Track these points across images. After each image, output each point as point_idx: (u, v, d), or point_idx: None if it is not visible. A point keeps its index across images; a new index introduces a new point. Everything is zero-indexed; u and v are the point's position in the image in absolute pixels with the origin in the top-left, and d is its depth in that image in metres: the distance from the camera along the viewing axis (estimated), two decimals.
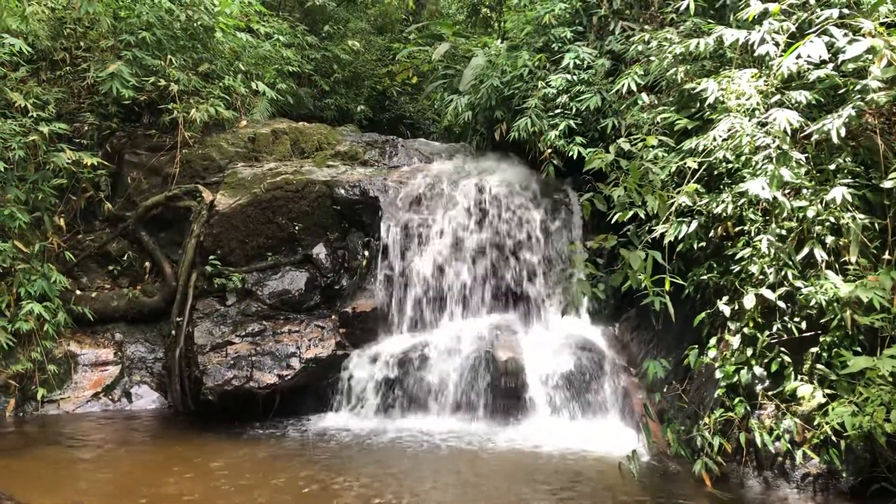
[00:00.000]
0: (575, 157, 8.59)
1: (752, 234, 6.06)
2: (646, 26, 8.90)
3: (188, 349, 8.18)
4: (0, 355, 7.90)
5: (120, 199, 9.69)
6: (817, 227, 5.74)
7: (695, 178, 6.28)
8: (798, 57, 5.92)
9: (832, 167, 5.96)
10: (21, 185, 8.57)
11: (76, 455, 6.74)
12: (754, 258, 5.94)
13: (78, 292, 8.96)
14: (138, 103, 9.98)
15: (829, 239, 5.70)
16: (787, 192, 5.94)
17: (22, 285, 8.14)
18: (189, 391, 8.07)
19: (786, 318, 5.85)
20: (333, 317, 8.62)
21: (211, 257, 8.77)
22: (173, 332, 8.51)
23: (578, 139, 8.73)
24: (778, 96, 6.16)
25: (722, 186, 6.45)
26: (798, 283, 5.73)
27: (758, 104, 6.15)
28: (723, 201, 6.20)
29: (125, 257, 9.43)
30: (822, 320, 5.64)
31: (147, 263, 9.39)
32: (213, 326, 8.34)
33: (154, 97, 9.93)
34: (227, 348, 8.02)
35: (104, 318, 8.95)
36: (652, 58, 7.89)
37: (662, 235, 6.23)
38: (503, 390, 7.81)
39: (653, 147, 6.97)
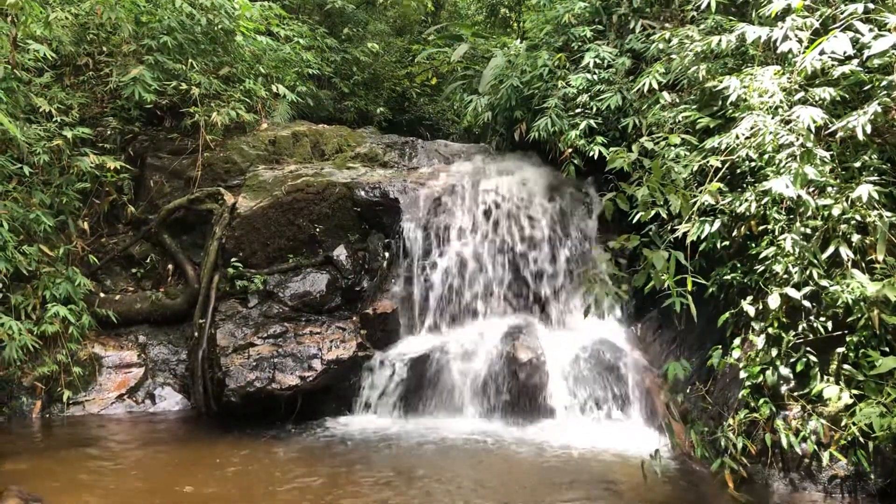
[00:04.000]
0: (595, 156, 8.55)
1: (777, 232, 5.99)
2: (666, 24, 8.84)
3: (211, 351, 8.24)
4: (26, 357, 7.99)
5: (142, 203, 9.79)
6: (843, 226, 5.66)
7: (717, 176, 6.22)
8: (822, 53, 5.85)
9: (857, 165, 5.89)
10: (46, 190, 8.68)
11: (102, 456, 6.82)
12: (779, 257, 5.88)
13: (102, 295, 9.06)
14: (160, 107, 10.09)
15: (856, 237, 5.62)
16: (811, 190, 5.87)
17: (47, 288, 8.25)
18: (212, 393, 8.13)
19: (811, 318, 5.78)
20: (354, 318, 8.65)
21: (233, 259, 8.83)
22: (196, 333, 8.58)
23: (599, 139, 8.69)
24: (801, 93, 6.09)
25: (745, 185, 6.40)
26: (824, 282, 5.66)
27: (781, 101, 6.08)
28: (746, 200, 6.14)
29: (148, 260, 9.54)
30: (848, 320, 5.57)
31: (170, 266, 9.48)
32: (236, 328, 8.39)
33: (175, 101, 10.03)
34: (249, 350, 8.07)
35: (128, 321, 9.04)
36: (673, 56, 7.83)
37: (685, 235, 6.17)
38: (524, 391, 7.80)
39: (675, 146, 6.91)
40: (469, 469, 6.50)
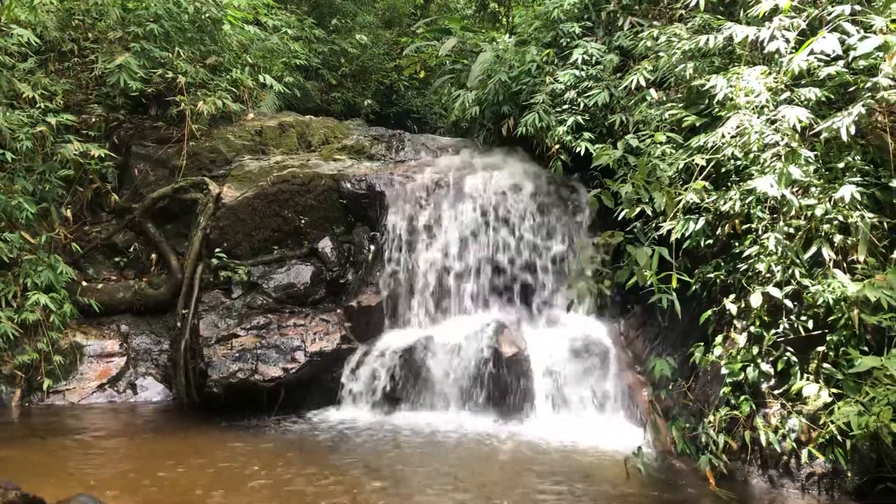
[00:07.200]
0: (582, 153, 8.55)
1: (760, 231, 6.03)
2: (655, 22, 8.85)
3: (193, 341, 8.20)
4: (6, 346, 7.92)
5: (127, 191, 9.71)
6: (825, 226, 5.71)
7: (703, 175, 6.25)
8: (810, 53, 5.89)
9: (841, 165, 5.93)
10: (28, 176, 8.57)
11: (82, 445, 6.76)
12: (761, 256, 5.92)
13: (84, 284, 8.97)
14: (146, 95, 9.99)
15: (838, 237, 5.67)
16: (795, 189, 5.91)
17: (28, 276, 8.16)
18: (194, 383, 8.09)
19: (792, 317, 5.81)
20: (339, 310, 8.63)
21: (217, 250, 8.78)
22: (179, 324, 8.53)
23: (586, 135, 8.69)
24: (787, 93, 6.13)
25: (730, 184, 6.42)
26: (805, 282, 5.70)
27: (767, 101, 6.12)
28: (730, 199, 6.17)
29: (131, 249, 9.46)
30: (829, 319, 5.61)
31: (153, 255, 9.40)
32: (219, 319, 8.35)
33: (161, 89, 9.94)
34: (232, 341, 8.03)
35: (110, 310, 8.96)
36: (661, 54, 7.85)
37: (669, 232, 6.21)
38: (507, 385, 7.81)
39: (661, 144, 6.94)
40: (448, 463, 6.49)
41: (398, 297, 8.76)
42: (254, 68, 11.21)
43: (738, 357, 5.99)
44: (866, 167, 5.90)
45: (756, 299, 5.81)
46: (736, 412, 5.92)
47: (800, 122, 5.71)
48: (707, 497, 5.64)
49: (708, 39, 6.93)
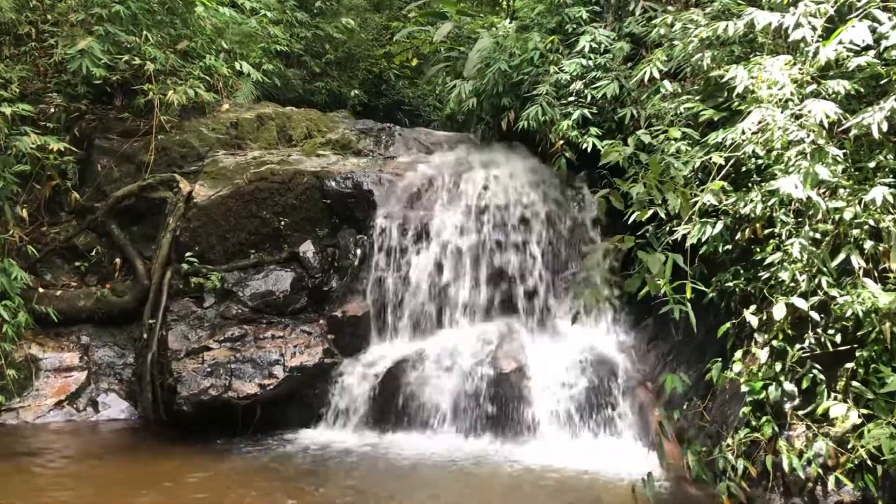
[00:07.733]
0: (589, 149, 8.55)
1: (784, 236, 6.01)
2: (669, 7, 8.87)
3: (161, 354, 8.17)
4: None
5: (89, 189, 9.67)
6: (855, 231, 5.70)
7: (721, 174, 6.24)
8: (840, 43, 5.88)
9: (872, 165, 5.92)
10: None
11: (38, 469, 6.73)
12: (785, 263, 5.90)
13: (41, 290, 8.92)
14: (110, 83, 9.95)
15: (868, 244, 5.65)
16: (822, 191, 5.89)
17: None
18: (161, 400, 8.07)
19: (819, 331, 5.80)
20: (321, 321, 8.61)
21: (188, 254, 8.75)
22: (145, 335, 8.50)
23: (593, 130, 8.68)
24: (814, 86, 6.12)
25: (750, 184, 6.42)
26: (833, 292, 5.68)
27: (791, 94, 6.11)
28: (751, 201, 6.15)
29: (94, 252, 9.43)
30: (858, 333, 5.59)
31: (117, 260, 9.36)
32: (189, 330, 8.32)
33: (128, 77, 9.89)
34: (203, 354, 8.00)
35: (69, 319, 8.92)
36: (675, 42, 7.85)
37: (684, 237, 6.20)
38: (506, 404, 7.79)
39: (675, 140, 6.93)
40: (442, 492, 6.47)
41: (387, 307, 8.75)
42: (229, 54, 11.20)
43: (760, 374, 5.97)
44: None
45: (779, 311, 5.78)
46: (757, 434, 5.89)
47: (827, 117, 5.69)
48: None
49: (727, 26, 6.93)
